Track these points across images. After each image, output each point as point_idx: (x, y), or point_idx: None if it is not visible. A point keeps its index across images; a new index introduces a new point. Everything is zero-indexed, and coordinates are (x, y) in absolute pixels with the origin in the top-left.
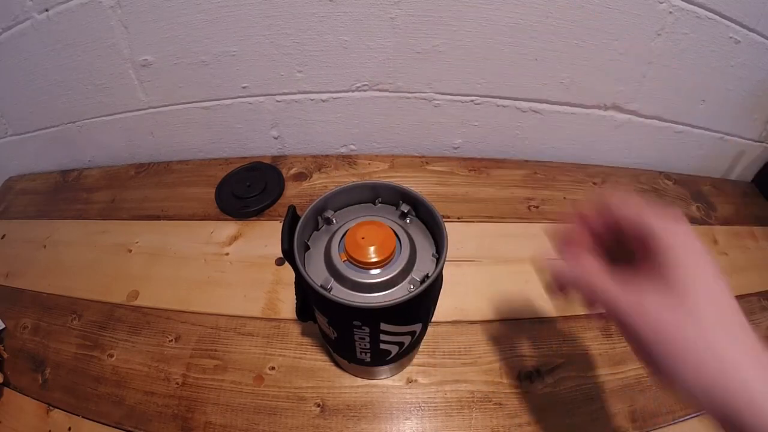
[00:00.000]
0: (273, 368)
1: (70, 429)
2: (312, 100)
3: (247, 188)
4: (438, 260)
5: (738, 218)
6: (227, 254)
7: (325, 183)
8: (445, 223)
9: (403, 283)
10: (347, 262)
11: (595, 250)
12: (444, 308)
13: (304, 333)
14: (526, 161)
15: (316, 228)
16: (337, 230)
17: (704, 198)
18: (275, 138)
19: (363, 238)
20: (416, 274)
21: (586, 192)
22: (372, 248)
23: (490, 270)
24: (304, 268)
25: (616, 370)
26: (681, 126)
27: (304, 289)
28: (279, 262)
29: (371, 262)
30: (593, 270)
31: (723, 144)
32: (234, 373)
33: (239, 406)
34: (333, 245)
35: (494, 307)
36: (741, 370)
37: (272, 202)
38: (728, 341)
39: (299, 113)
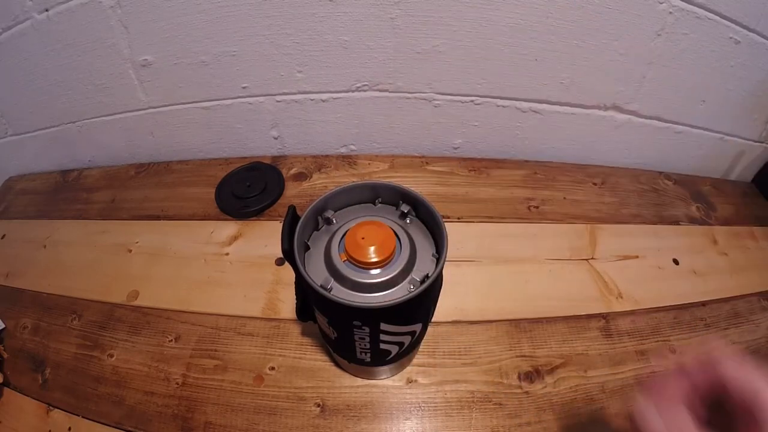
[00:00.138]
0: (273, 368)
1: (70, 429)
2: (312, 100)
3: (247, 188)
4: (438, 260)
5: (738, 218)
6: (227, 254)
7: (325, 183)
8: (445, 223)
9: (403, 283)
10: (347, 262)
11: (692, 407)
12: (444, 308)
13: (304, 333)
14: (526, 161)
15: (316, 228)
16: (337, 230)
17: (704, 198)
18: (275, 138)
19: (363, 238)
20: (416, 274)
21: (586, 192)
22: (372, 248)
23: (490, 270)
24: (304, 268)
25: (616, 370)
26: (681, 126)
27: (304, 289)
28: (279, 262)
29: (371, 262)
30: (687, 427)
31: (723, 144)
32: (234, 373)
33: (239, 406)
34: (333, 245)
35: (494, 307)
36: None
37: (272, 202)
38: None
39: (299, 113)
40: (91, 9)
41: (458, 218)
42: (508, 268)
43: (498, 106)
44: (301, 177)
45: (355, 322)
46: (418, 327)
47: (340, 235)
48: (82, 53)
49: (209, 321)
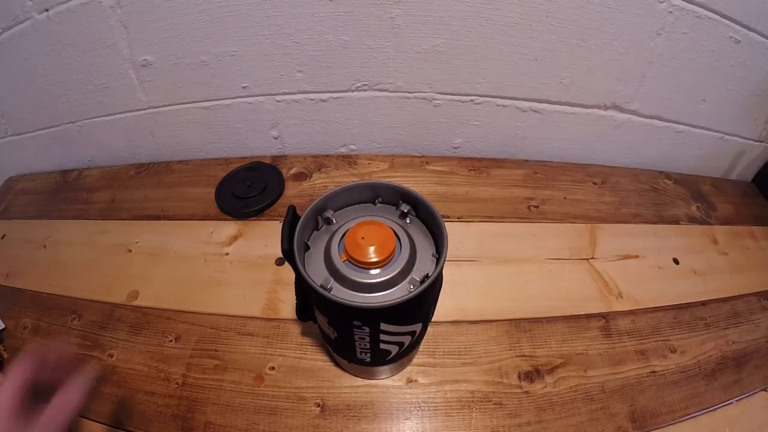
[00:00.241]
0: (273, 368)
1: (70, 429)
2: (312, 100)
3: (247, 188)
4: (438, 260)
5: (738, 218)
6: (227, 254)
7: (325, 183)
8: (445, 223)
9: (403, 283)
10: (347, 262)
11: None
12: (444, 308)
13: (304, 333)
14: (526, 161)
15: (316, 228)
16: (337, 230)
17: (704, 198)
18: (275, 138)
19: (363, 238)
20: (416, 274)
21: (586, 192)
22: (372, 248)
23: (490, 270)
24: (304, 268)
25: (616, 370)
26: (681, 126)
27: (304, 289)
28: (279, 262)
29: (371, 262)
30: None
31: (723, 144)
32: (234, 373)
33: (239, 406)
34: (333, 245)
35: (494, 307)
36: None
37: (272, 202)
38: None
39: (299, 113)
40: (91, 9)
41: (458, 218)
42: (508, 268)
43: (498, 105)
44: (301, 177)
45: (355, 322)
46: (418, 327)
47: (340, 235)
48: (82, 53)
49: (209, 321)
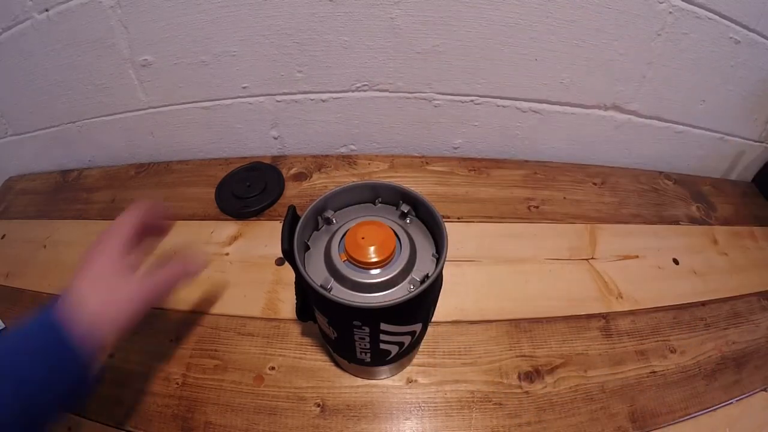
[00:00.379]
0: (273, 368)
1: (69, 429)
2: (312, 100)
3: (247, 188)
4: (438, 260)
5: (738, 218)
6: (227, 254)
7: (325, 183)
8: (445, 223)
9: (403, 283)
10: (347, 262)
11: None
12: (444, 308)
13: (304, 333)
14: (526, 161)
15: (316, 228)
16: (337, 230)
17: (704, 198)
18: (275, 138)
19: (363, 238)
20: (416, 274)
21: (586, 192)
22: (372, 248)
23: (490, 270)
24: (304, 268)
25: (616, 370)
26: (681, 126)
27: (304, 289)
28: (279, 262)
29: (371, 262)
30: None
31: (723, 144)
32: (234, 373)
33: (239, 406)
34: (333, 245)
35: (494, 307)
36: None
37: (272, 202)
38: None
39: (299, 113)
40: (91, 9)
41: (458, 218)
42: (508, 268)
43: (498, 106)
44: (301, 177)
45: (355, 322)
46: (418, 327)
47: (340, 235)
48: (82, 53)
49: (209, 321)
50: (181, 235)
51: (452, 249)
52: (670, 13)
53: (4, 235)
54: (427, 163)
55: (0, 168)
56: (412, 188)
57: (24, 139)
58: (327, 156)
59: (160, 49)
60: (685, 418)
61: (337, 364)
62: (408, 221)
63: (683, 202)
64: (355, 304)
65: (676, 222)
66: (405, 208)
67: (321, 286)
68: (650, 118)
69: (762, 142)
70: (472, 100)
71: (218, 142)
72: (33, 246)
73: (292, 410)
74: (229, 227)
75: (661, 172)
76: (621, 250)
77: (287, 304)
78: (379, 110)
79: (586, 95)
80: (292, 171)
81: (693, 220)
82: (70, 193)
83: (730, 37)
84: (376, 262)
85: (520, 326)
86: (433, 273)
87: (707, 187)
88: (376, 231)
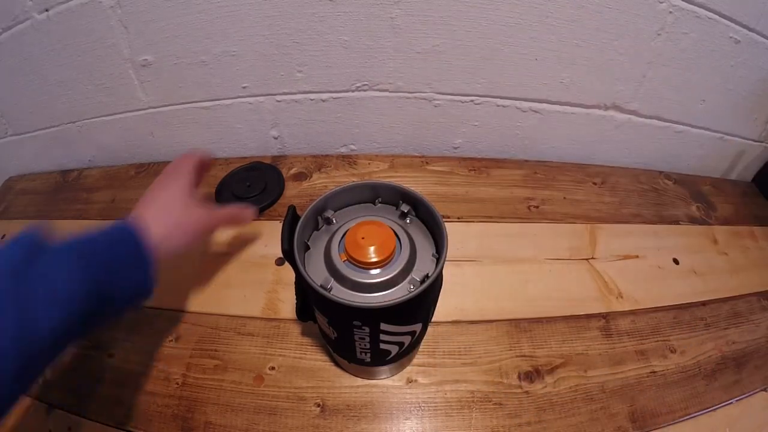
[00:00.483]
0: (273, 368)
1: (70, 429)
2: (312, 100)
3: (247, 188)
4: (438, 260)
5: (738, 218)
6: (227, 254)
7: (325, 183)
8: (445, 223)
9: (403, 283)
10: (347, 262)
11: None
12: (444, 308)
13: (304, 333)
14: (526, 161)
15: (316, 228)
16: (337, 230)
17: (704, 198)
18: (275, 138)
19: (363, 238)
20: (416, 274)
21: (586, 192)
22: (372, 248)
23: (490, 270)
24: (304, 268)
25: (616, 370)
26: (681, 126)
27: (304, 289)
28: (279, 262)
29: (371, 262)
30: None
31: (723, 144)
32: (234, 373)
33: (239, 406)
34: (333, 245)
35: (494, 307)
36: None
37: (272, 202)
38: None
39: (299, 113)
40: (91, 9)
41: (458, 218)
42: (508, 268)
43: (498, 105)
44: (301, 177)
45: (355, 322)
46: (418, 327)
47: (340, 235)
48: (82, 53)
49: (209, 321)
50: None
51: (452, 249)
52: (670, 12)
53: (3, 235)
54: (427, 162)
55: (0, 168)
56: (412, 188)
57: (24, 139)
58: (327, 156)
59: (160, 49)
60: (685, 418)
61: (337, 364)
62: (408, 221)
63: (683, 201)
64: (355, 304)
65: (676, 222)
66: (405, 208)
67: (321, 286)
68: (650, 117)
69: (762, 142)
70: (472, 100)
71: (218, 142)
72: None
73: (292, 410)
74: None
75: (661, 172)
76: (621, 250)
77: (287, 304)
78: (379, 110)
79: (586, 95)
80: (292, 171)
81: (693, 220)
82: (70, 193)
83: (730, 37)
84: (376, 262)
85: (520, 326)
86: (433, 273)
87: (707, 187)
88: (376, 231)
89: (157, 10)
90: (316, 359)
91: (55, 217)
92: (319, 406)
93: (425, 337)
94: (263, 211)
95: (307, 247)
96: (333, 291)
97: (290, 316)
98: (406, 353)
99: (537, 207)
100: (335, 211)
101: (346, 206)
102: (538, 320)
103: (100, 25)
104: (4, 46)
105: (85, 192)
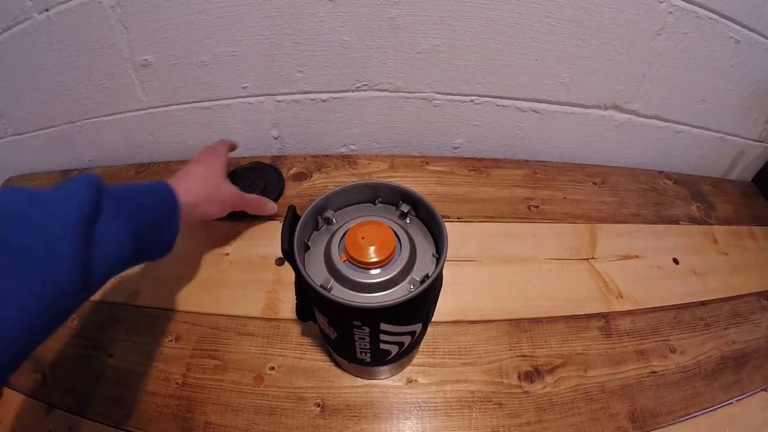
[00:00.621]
0: (273, 368)
1: (70, 429)
2: (312, 100)
3: (247, 188)
4: (438, 260)
5: (738, 218)
6: (227, 254)
7: (325, 183)
8: (445, 223)
9: (403, 283)
10: (347, 262)
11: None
12: (444, 308)
13: (304, 333)
14: (526, 161)
15: (316, 228)
16: (337, 230)
17: (704, 198)
18: (275, 138)
19: (363, 238)
20: (416, 274)
21: (586, 192)
22: (372, 248)
23: (490, 270)
24: (304, 268)
25: (616, 370)
26: (681, 126)
27: (304, 289)
28: (279, 262)
29: (371, 262)
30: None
31: (723, 144)
32: (234, 373)
33: (239, 406)
34: (333, 245)
35: (494, 307)
36: None
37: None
38: None
39: (299, 113)
40: (91, 9)
41: (458, 218)
42: (508, 268)
43: (498, 105)
44: (301, 177)
45: (355, 322)
46: (418, 327)
47: (340, 235)
48: (82, 53)
49: (209, 321)
50: (181, 234)
51: (452, 249)
52: (670, 12)
53: None
54: (427, 163)
55: (0, 168)
56: (412, 188)
57: (24, 139)
58: (327, 156)
59: (160, 49)
60: (685, 418)
61: (337, 364)
62: (408, 221)
63: (683, 201)
64: (355, 304)
65: (676, 222)
66: (405, 208)
67: (321, 286)
68: (650, 117)
69: (762, 142)
70: (472, 100)
71: None
72: None
73: (292, 410)
74: (229, 227)
75: (661, 172)
76: (621, 250)
77: (287, 304)
78: (379, 110)
79: (586, 95)
80: (292, 171)
81: (693, 220)
82: None
83: (730, 37)
84: (376, 262)
85: (520, 326)
86: (433, 273)
87: (707, 187)
88: (376, 231)
89: (157, 10)
90: (316, 359)
91: None
92: (319, 406)
93: (425, 337)
94: None
95: (307, 247)
96: (333, 291)
97: (290, 316)
98: (406, 353)
99: (537, 207)
100: (335, 211)
101: (346, 206)
102: (538, 320)
103: (100, 25)
104: (4, 46)
105: None
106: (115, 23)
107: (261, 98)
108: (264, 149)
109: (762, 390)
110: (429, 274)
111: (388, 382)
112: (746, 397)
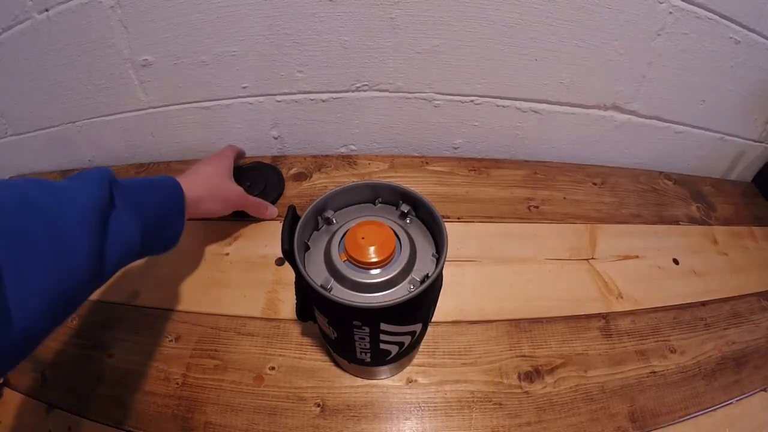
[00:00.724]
0: (273, 368)
1: (70, 429)
2: (312, 100)
3: (247, 188)
4: (438, 260)
5: (738, 218)
6: (227, 254)
7: (325, 183)
8: (445, 223)
9: (403, 283)
10: (347, 262)
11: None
12: (444, 308)
13: (304, 333)
14: (526, 161)
15: (316, 228)
16: (337, 230)
17: (704, 198)
18: (275, 138)
19: (363, 238)
20: (416, 274)
21: (586, 192)
22: (372, 248)
23: (490, 270)
24: (304, 268)
25: (616, 370)
26: (681, 126)
27: (304, 289)
28: (279, 262)
29: (371, 262)
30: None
31: (723, 144)
32: (234, 373)
33: (239, 406)
34: (333, 245)
35: (494, 307)
36: None
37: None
38: None
39: (299, 113)
40: (91, 9)
41: (458, 218)
42: (508, 268)
43: (498, 106)
44: (301, 177)
45: (355, 322)
46: (418, 327)
47: (340, 235)
48: (82, 53)
49: (209, 321)
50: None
51: (452, 249)
52: (670, 13)
53: None
54: (427, 163)
55: (0, 168)
56: (412, 188)
57: (24, 139)
58: (327, 156)
59: (160, 49)
60: (685, 418)
61: (337, 364)
62: (408, 221)
63: (683, 202)
64: (355, 304)
65: (676, 222)
66: (405, 208)
67: (321, 286)
68: (650, 118)
69: (762, 142)
70: (472, 100)
71: (218, 142)
72: None
73: (292, 410)
74: (229, 227)
75: (661, 172)
76: (621, 250)
77: (287, 304)
78: (379, 110)
79: (586, 95)
80: (292, 171)
81: (693, 220)
82: None
83: (730, 37)
84: (376, 262)
85: (520, 326)
86: (433, 273)
87: (707, 187)
88: (376, 231)
89: (157, 10)
90: (316, 359)
91: None
92: (319, 406)
93: (425, 337)
94: None
95: (307, 247)
96: (333, 291)
97: (290, 316)
98: (406, 353)
99: (537, 207)
100: (335, 211)
101: (346, 206)
102: (538, 320)
103: (100, 25)
104: (4, 46)
105: None
106: (115, 23)
107: (261, 98)
108: (264, 149)
109: (762, 390)
110: (429, 274)
111: (388, 382)
112: (746, 397)
